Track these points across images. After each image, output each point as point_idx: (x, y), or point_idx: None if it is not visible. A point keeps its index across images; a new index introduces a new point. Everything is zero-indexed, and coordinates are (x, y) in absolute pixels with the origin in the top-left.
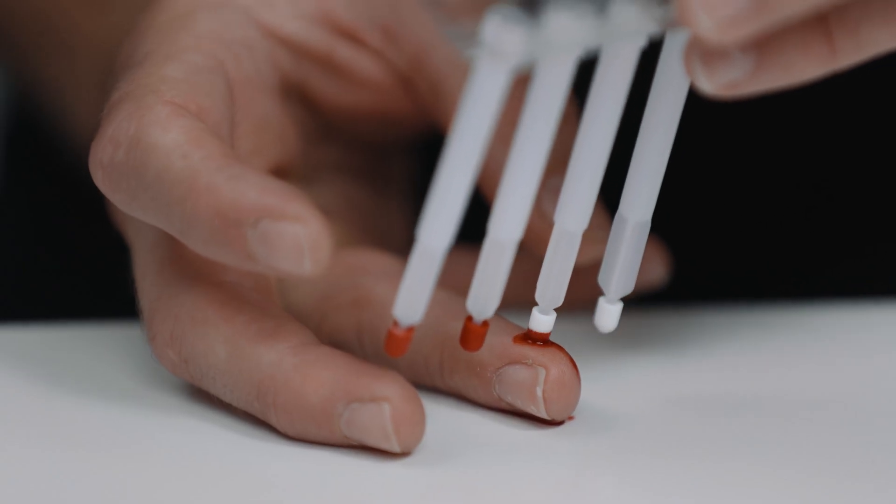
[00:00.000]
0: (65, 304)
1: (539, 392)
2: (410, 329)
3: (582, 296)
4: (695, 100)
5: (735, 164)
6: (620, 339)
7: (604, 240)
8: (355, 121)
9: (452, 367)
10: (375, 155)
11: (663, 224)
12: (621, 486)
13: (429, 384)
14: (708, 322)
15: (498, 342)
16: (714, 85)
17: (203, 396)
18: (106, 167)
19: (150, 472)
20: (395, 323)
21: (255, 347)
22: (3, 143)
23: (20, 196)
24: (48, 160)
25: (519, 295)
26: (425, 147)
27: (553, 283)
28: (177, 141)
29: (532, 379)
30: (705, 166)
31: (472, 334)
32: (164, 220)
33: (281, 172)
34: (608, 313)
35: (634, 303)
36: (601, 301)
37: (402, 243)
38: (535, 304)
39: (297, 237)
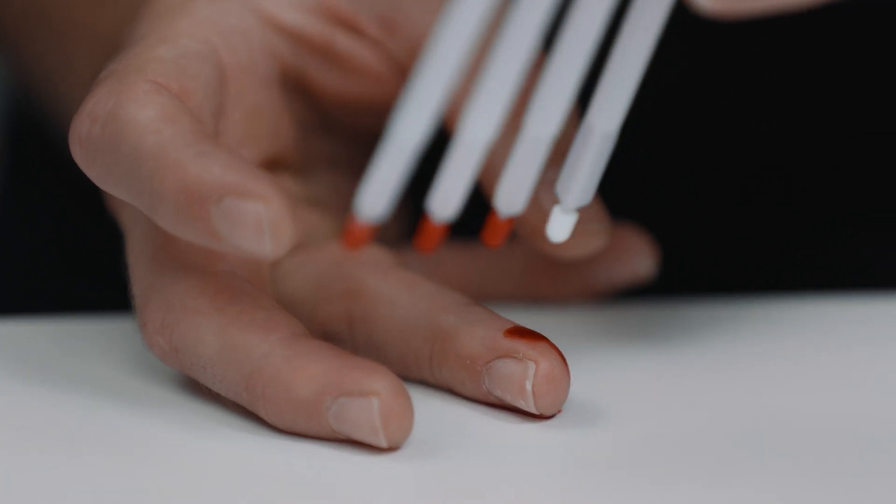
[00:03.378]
0: (64, 297)
1: (528, 386)
2: (371, 228)
3: (572, 291)
4: (684, 85)
5: (725, 153)
6: (610, 333)
7: (600, 233)
8: (353, 111)
9: (442, 360)
10: (371, 148)
11: (653, 216)
12: (610, 480)
13: (418, 378)
14: (698, 315)
15: (488, 336)
16: (713, 0)
17: (193, 387)
18: (83, 141)
19: (138, 463)
20: (353, 215)
21: (245, 338)
22: (5, 136)
23: (21, 189)
24: (49, 154)
25: (516, 289)
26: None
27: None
28: (151, 117)
29: (521, 373)
30: (695, 156)
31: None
32: (135, 197)
33: (275, 163)
34: (562, 223)
35: (624, 296)
36: (556, 210)
37: (395, 236)
38: (531, 298)
39: (258, 216)
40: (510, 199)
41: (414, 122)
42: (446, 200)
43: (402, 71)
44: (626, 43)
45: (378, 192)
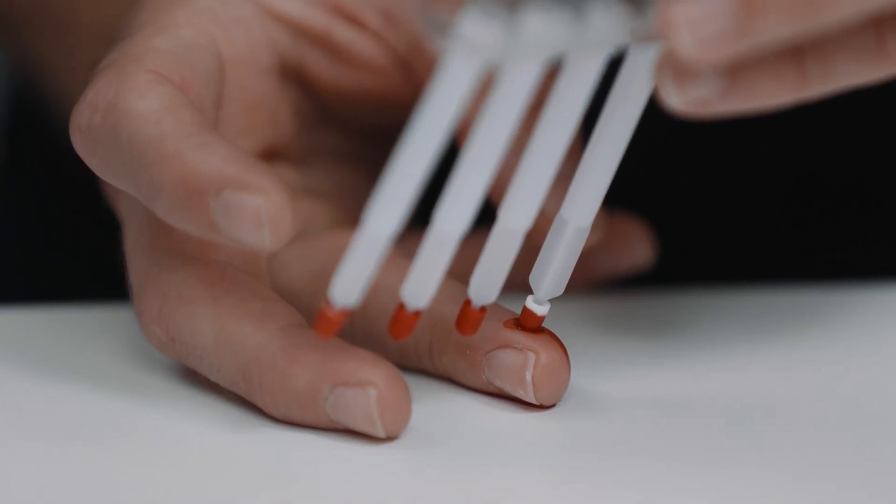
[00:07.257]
0: (61, 286)
1: (528, 377)
2: (345, 314)
3: (572, 280)
4: None
5: (723, 143)
6: (609, 322)
7: (596, 228)
8: (352, 103)
9: (442, 349)
10: (370, 140)
11: (650, 205)
12: (608, 470)
13: (418, 366)
14: (697, 304)
15: (489, 326)
16: (682, 101)
17: (190, 376)
18: (83, 131)
19: (135, 452)
20: (328, 303)
21: (242, 328)
22: (3, 127)
23: (19, 179)
24: (47, 144)
25: (516, 280)
26: None
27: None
28: (152, 107)
29: (521, 363)
30: (692, 145)
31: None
32: (134, 187)
33: (273, 153)
34: (536, 313)
35: (623, 285)
36: (529, 300)
37: None
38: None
39: (257, 209)
40: (484, 289)
41: (387, 213)
42: (419, 291)
43: (401, 63)
44: (600, 140)
45: (352, 282)
